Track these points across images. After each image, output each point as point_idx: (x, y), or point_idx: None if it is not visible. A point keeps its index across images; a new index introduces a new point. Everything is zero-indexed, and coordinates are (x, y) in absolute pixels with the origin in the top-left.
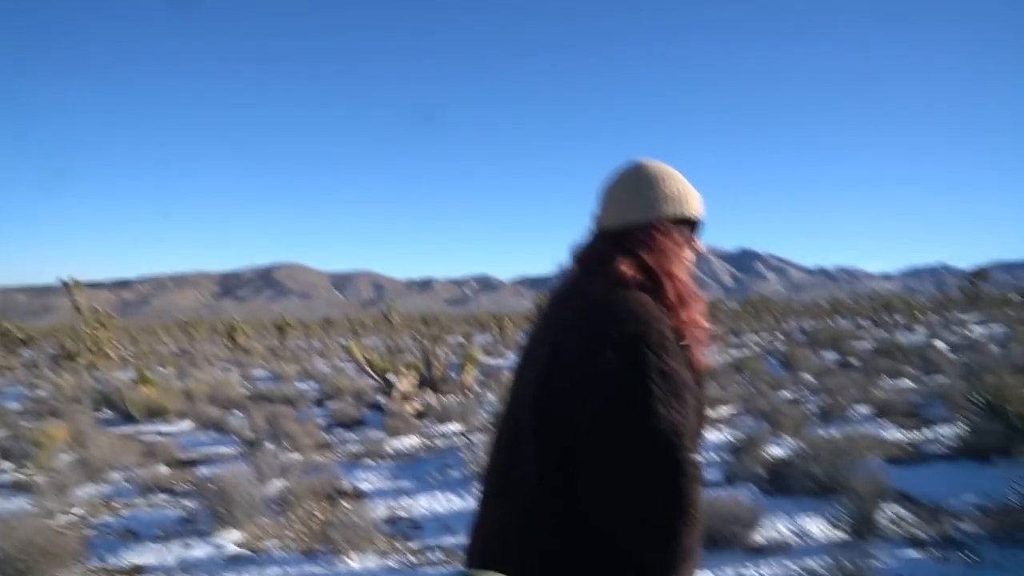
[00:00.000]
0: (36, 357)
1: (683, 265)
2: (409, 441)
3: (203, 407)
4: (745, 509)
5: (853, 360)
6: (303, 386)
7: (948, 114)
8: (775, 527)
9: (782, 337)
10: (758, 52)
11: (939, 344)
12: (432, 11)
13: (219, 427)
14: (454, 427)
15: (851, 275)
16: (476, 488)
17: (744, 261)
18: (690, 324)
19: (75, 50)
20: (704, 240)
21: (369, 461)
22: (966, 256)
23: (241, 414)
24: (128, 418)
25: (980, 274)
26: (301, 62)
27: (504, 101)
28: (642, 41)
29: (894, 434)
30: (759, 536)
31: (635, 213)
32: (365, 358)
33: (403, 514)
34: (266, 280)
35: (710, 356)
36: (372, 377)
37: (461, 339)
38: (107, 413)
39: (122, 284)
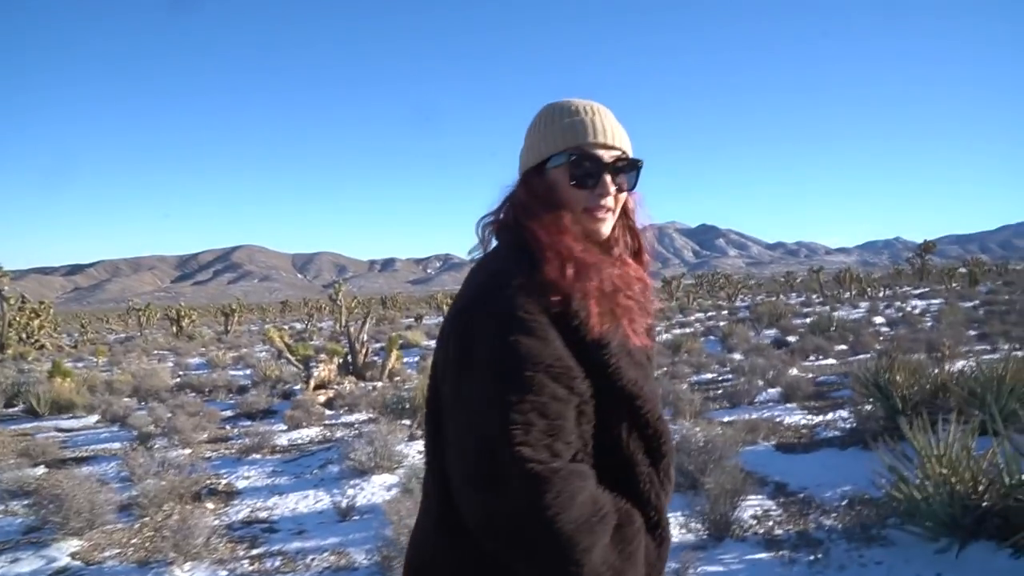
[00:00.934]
0: None
1: (559, 219)
2: (307, 432)
3: (115, 400)
4: None
5: (790, 338)
6: (236, 373)
7: (907, 88)
8: None
9: (727, 314)
10: (722, 26)
11: (878, 320)
12: None
13: (123, 422)
14: (361, 416)
15: (810, 250)
16: (351, 484)
17: (706, 236)
18: (588, 288)
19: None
20: (655, 211)
21: (257, 456)
22: (922, 230)
23: (153, 406)
24: (33, 413)
25: (928, 247)
26: (260, 44)
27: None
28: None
29: (795, 418)
30: None
31: (521, 162)
32: (285, 344)
33: (263, 515)
34: (225, 263)
35: (631, 325)
36: (292, 364)
37: (412, 320)
38: (13, 408)
39: (76, 269)
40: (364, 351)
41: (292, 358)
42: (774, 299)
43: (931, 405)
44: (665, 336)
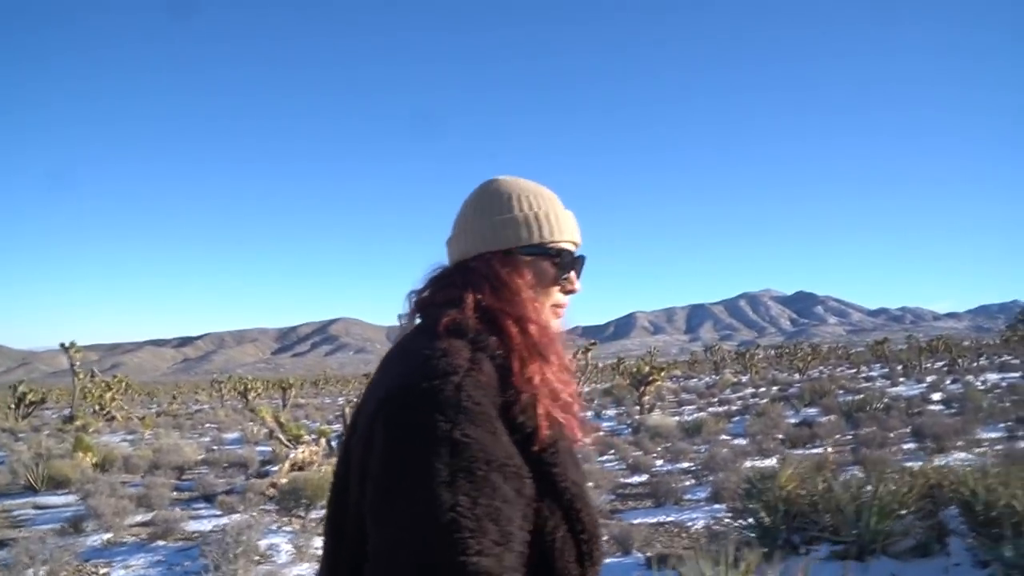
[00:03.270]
0: (42, 420)
1: (532, 307)
2: (232, 519)
3: (106, 478)
4: None
5: (824, 418)
6: (265, 449)
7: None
8: None
9: (777, 390)
10: (802, 76)
11: (935, 396)
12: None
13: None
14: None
15: (916, 316)
16: None
17: (803, 304)
18: (537, 385)
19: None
20: (765, 287)
21: (161, 542)
22: None
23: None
24: (32, 488)
25: None
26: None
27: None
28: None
29: (709, 522)
30: None
31: (475, 240)
32: (278, 423)
33: None
34: (323, 335)
35: (581, 419)
36: (283, 443)
37: None
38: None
39: (185, 341)
40: None
41: (283, 437)
42: (830, 372)
43: (810, 521)
44: (698, 414)
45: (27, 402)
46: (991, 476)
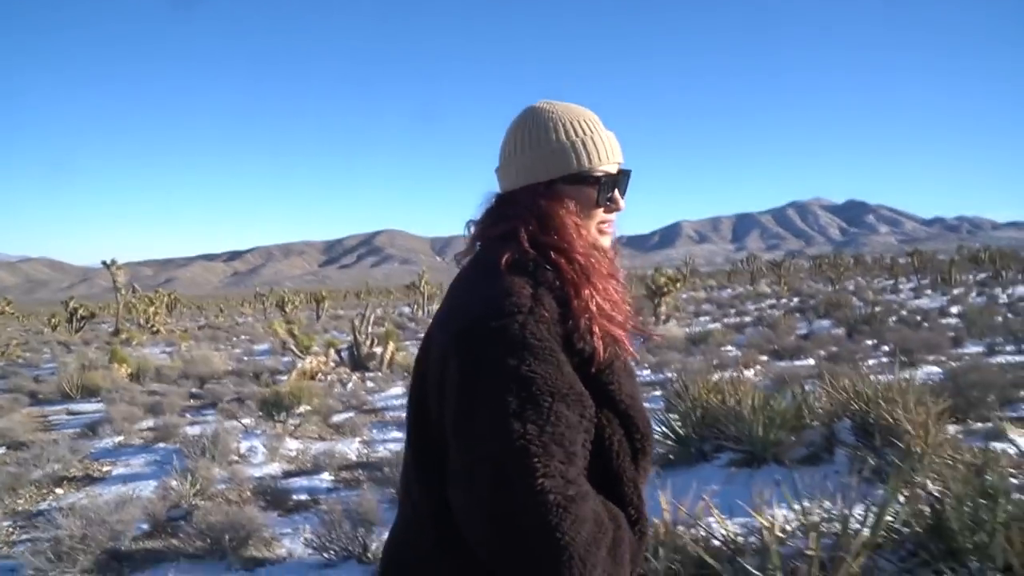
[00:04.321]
0: (95, 333)
1: (577, 234)
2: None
3: (134, 387)
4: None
5: (836, 331)
6: (288, 360)
7: None
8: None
9: (798, 301)
10: None
11: (954, 309)
12: None
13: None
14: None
15: (974, 225)
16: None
17: (854, 212)
18: (593, 310)
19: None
20: (811, 195)
21: (162, 444)
22: None
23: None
24: (68, 396)
25: None
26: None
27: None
28: None
29: None
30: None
31: (519, 172)
32: (292, 335)
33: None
34: (369, 247)
35: (632, 342)
36: (296, 355)
37: None
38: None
39: (235, 255)
40: (369, 342)
41: (295, 349)
42: (866, 283)
43: (719, 431)
44: (712, 325)
45: (79, 317)
46: (892, 391)
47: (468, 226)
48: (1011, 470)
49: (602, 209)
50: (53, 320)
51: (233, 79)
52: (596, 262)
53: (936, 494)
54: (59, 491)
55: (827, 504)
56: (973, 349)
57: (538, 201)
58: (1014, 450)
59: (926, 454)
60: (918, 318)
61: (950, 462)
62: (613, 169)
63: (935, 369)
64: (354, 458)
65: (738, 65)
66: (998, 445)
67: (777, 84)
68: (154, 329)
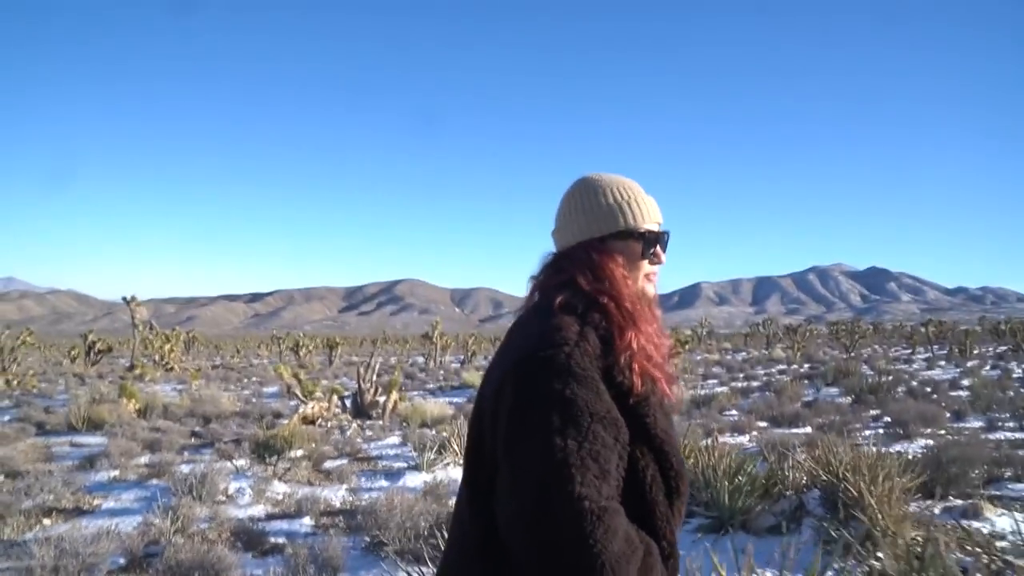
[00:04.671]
0: (112, 367)
1: (624, 283)
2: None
3: (139, 423)
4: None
5: (842, 399)
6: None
7: None
8: None
9: (808, 368)
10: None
11: (966, 382)
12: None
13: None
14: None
15: (998, 296)
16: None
17: (875, 280)
18: (634, 349)
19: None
20: (835, 260)
21: (155, 481)
22: None
23: (160, 427)
24: (74, 428)
25: None
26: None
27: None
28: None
29: None
30: None
31: (574, 232)
32: (297, 380)
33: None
34: (389, 295)
35: (673, 385)
36: (299, 400)
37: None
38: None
39: (257, 297)
40: (373, 390)
41: (299, 393)
42: (882, 352)
43: (692, 497)
44: (719, 389)
45: (96, 350)
46: (862, 463)
47: (529, 280)
48: (977, 549)
49: (647, 262)
50: (73, 352)
51: (260, 118)
52: (641, 308)
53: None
54: (47, 522)
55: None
56: (974, 424)
57: (591, 255)
58: (988, 528)
59: (886, 530)
60: (928, 389)
61: (901, 540)
62: (655, 227)
63: (930, 442)
64: (338, 504)
65: (761, 126)
66: (974, 523)
67: (800, 147)
68: (168, 366)
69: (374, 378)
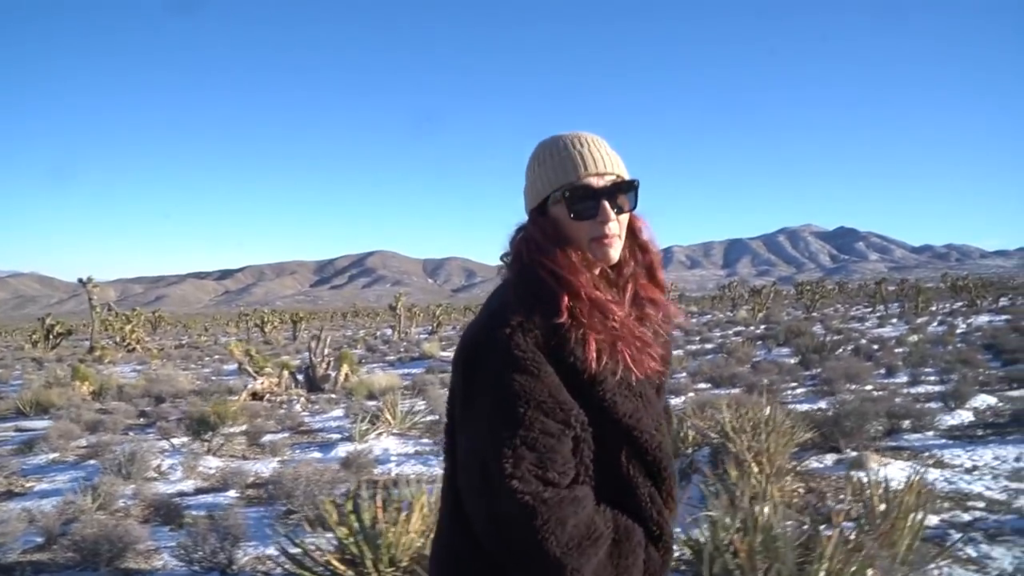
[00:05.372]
0: (73, 350)
1: (560, 253)
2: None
3: (90, 405)
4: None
5: (791, 360)
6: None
7: None
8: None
9: (764, 329)
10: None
11: (912, 339)
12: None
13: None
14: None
15: (962, 253)
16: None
17: (844, 240)
18: (582, 319)
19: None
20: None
21: (92, 461)
22: None
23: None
24: (22, 412)
25: None
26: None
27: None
28: None
29: None
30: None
31: (526, 202)
32: (248, 356)
33: None
34: (360, 268)
35: (645, 356)
36: (250, 375)
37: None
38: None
39: (226, 274)
40: (324, 364)
41: (250, 369)
42: (841, 311)
43: None
44: (674, 352)
45: (55, 334)
46: (745, 421)
47: (502, 257)
48: (850, 496)
49: (587, 223)
50: (34, 336)
51: (227, 93)
52: (581, 277)
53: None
54: None
55: None
56: (900, 379)
57: (529, 226)
58: (869, 478)
59: (763, 483)
60: (875, 347)
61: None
62: (596, 182)
63: (850, 398)
64: (267, 477)
65: (730, 88)
66: (858, 473)
67: (768, 109)
68: (130, 347)
69: (325, 352)
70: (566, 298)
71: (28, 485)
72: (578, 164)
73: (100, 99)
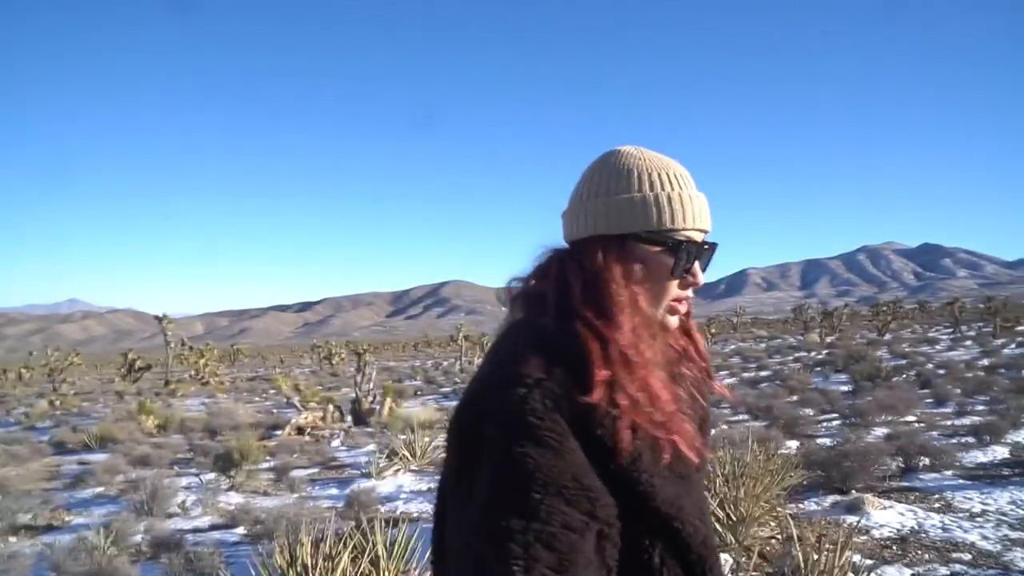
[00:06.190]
0: (152, 383)
1: (634, 310)
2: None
3: (143, 438)
4: None
5: (845, 388)
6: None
7: None
8: None
9: (826, 354)
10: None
11: (984, 362)
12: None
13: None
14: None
15: None
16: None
17: (929, 257)
18: (620, 392)
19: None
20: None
21: (131, 496)
22: None
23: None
24: (88, 446)
25: None
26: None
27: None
28: None
29: None
30: None
31: (587, 220)
32: (297, 390)
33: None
34: (435, 298)
35: (688, 434)
36: (297, 409)
37: None
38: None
39: (306, 306)
40: (369, 398)
41: (297, 404)
42: (913, 333)
43: None
44: (727, 381)
45: (136, 368)
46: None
47: (509, 285)
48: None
49: (676, 282)
50: (121, 370)
51: (308, 131)
52: (644, 347)
53: None
54: (12, 539)
55: None
56: (947, 409)
57: (596, 259)
58: (863, 523)
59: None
60: (941, 372)
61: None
62: (698, 237)
63: (884, 431)
64: (267, 514)
65: (800, 107)
66: (849, 517)
67: (842, 126)
68: (204, 380)
69: (370, 386)
70: (618, 374)
71: (68, 519)
72: (698, 212)
73: (184, 144)
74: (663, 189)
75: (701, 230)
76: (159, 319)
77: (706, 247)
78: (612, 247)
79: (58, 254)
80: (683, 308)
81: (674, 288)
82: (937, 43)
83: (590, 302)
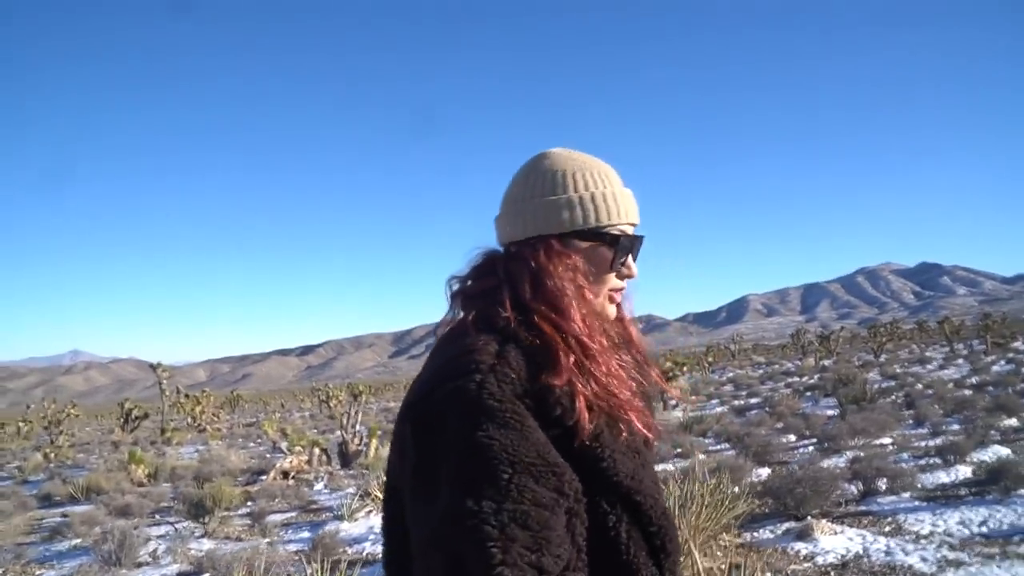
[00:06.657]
0: (149, 432)
1: (582, 303)
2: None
3: (127, 488)
4: None
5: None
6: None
7: None
8: None
9: (817, 379)
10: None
11: (974, 380)
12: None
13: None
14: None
15: None
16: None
17: (927, 276)
18: (577, 373)
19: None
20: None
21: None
22: None
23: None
24: (72, 498)
25: None
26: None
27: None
28: None
29: None
30: None
31: (525, 222)
32: (284, 435)
33: None
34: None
35: (649, 420)
36: (285, 454)
37: None
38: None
39: (308, 349)
40: (356, 439)
41: (284, 448)
42: (908, 352)
43: None
44: (718, 409)
45: (133, 417)
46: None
47: (448, 284)
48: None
49: (614, 274)
50: (120, 420)
51: (296, 178)
52: (597, 335)
53: None
54: None
55: None
56: (923, 430)
57: (539, 256)
58: (807, 550)
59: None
60: (930, 392)
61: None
62: (630, 231)
63: (853, 454)
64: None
65: (794, 135)
66: (797, 545)
67: (833, 148)
68: (200, 428)
69: (356, 427)
70: (566, 346)
71: (38, 573)
72: (629, 207)
73: (176, 184)
74: (596, 188)
75: (632, 224)
76: (153, 367)
77: (636, 239)
78: (553, 245)
79: (58, 304)
80: (619, 298)
81: (612, 280)
82: (930, 62)
83: (540, 297)
